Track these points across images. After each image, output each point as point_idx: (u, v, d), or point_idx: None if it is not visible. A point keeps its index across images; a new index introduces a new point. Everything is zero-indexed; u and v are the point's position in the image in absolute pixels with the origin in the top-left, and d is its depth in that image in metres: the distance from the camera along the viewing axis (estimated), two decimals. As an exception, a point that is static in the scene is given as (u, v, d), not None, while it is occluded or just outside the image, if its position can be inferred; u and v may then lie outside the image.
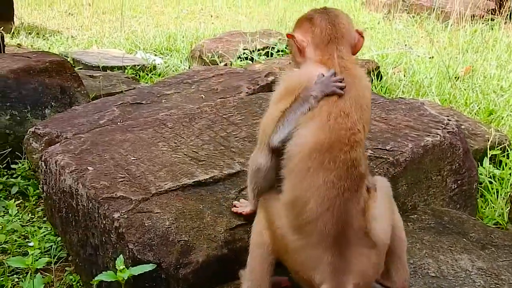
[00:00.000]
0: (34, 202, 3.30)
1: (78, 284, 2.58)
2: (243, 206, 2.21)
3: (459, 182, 2.90)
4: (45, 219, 3.09)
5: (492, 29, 7.73)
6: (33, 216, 3.17)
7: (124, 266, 1.95)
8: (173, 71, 6.17)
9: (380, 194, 1.86)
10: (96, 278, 2.01)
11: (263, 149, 1.88)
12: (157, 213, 2.18)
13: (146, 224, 2.13)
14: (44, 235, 2.93)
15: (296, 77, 1.89)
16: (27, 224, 3.09)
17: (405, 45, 7.02)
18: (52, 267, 2.67)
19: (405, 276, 1.96)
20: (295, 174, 1.77)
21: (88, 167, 2.49)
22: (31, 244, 2.26)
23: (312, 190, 1.73)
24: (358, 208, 1.76)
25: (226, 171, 2.49)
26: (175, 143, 2.74)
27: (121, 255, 2.01)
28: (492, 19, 8.16)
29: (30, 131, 3.35)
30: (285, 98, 1.84)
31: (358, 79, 1.84)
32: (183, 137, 2.81)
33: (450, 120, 2.95)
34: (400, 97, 3.91)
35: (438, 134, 2.79)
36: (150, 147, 2.69)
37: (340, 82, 1.78)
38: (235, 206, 2.25)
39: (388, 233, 1.82)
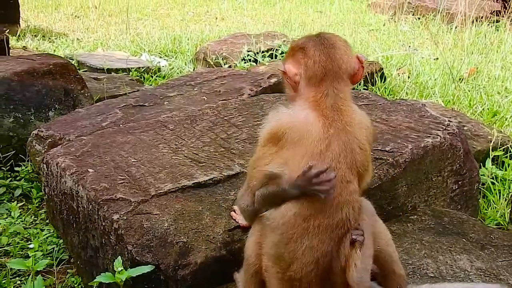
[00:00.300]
0: (37, 205, 3.32)
1: (80, 286, 2.60)
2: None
3: (459, 183, 2.90)
4: (47, 221, 3.11)
5: (497, 30, 7.71)
6: (36, 219, 3.20)
7: (122, 268, 1.96)
8: (178, 73, 6.18)
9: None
10: (94, 280, 2.02)
11: (248, 193, 1.85)
12: (156, 214, 2.20)
13: (145, 226, 2.14)
14: (47, 237, 2.95)
15: (284, 123, 1.73)
16: (29, 226, 3.11)
17: (409, 46, 7.01)
18: (54, 269, 2.68)
19: (400, 280, 1.96)
20: (279, 234, 1.75)
21: (89, 169, 2.51)
22: (32, 246, 2.28)
23: (297, 254, 1.73)
24: (341, 263, 1.75)
25: (225, 172, 2.50)
26: (176, 145, 2.76)
27: (119, 257, 2.02)
28: (497, 21, 8.14)
29: (33, 133, 3.38)
30: (270, 145, 1.75)
31: (351, 123, 1.73)
32: (183, 139, 2.82)
33: (451, 121, 2.95)
34: (401, 99, 3.90)
35: (438, 135, 2.78)
36: (150, 149, 2.71)
37: (329, 181, 1.65)
38: (234, 211, 2.26)
39: (368, 273, 1.78)
